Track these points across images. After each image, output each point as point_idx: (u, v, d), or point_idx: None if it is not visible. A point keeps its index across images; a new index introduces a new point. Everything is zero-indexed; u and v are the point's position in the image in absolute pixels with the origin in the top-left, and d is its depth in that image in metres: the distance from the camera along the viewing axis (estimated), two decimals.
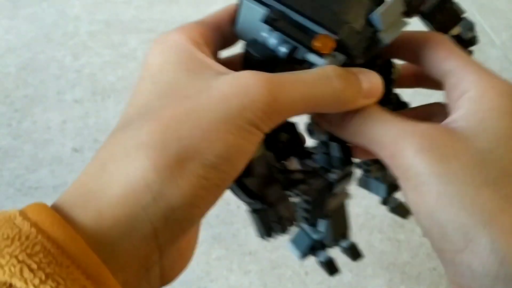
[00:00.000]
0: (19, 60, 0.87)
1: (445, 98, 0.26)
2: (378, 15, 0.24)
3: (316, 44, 0.23)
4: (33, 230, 0.18)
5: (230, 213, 0.59)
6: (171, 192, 0.20)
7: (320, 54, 0.24)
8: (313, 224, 0.36)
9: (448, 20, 0.30)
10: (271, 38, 0.25)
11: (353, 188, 0.50)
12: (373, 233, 0.57)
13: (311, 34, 0.24)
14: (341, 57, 0.24)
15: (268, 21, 0.24)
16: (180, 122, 0.21)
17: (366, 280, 0.53)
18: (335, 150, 0.31)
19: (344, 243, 0.36)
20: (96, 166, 0.21)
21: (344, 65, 0.25)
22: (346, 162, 0.31)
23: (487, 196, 0.21)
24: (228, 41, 0.28)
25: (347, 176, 0.34)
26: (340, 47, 0.24)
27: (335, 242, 0.36)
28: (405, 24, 0.26)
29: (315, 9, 0.24)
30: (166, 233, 0.20)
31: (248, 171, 0.25)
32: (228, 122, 0.21)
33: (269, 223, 0.29)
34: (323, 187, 0.33)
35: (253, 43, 0.26)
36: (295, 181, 0.30)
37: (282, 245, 0.55)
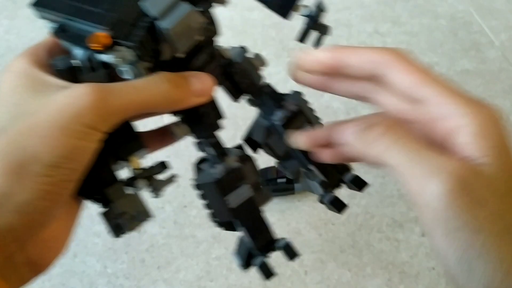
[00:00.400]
0: None
1: (419, 119, 0.26)
2: (144, 3, 0.26)
3: (91, 43, 0.25)
4: None
5: None
6: (18, 191, 0.24)
7: (102, 51, 0.25)
8: (228, 229, 0.36)
9: None
10: (74, 50, 0.28)
11: None
12: (372, 233, 0.58)
13: (88, 36, 0.26)
14: (126, 51, 0.26)
15: (54, 33, 0.27)
16: (24, 135, 0.25)
17: (365, 279, 0.53)
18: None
19: (279, 243, 0.36)
20: None
21: (166, 65, 0.28)
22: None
23: (507, 245, 0.22)
24: None
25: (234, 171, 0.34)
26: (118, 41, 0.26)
27: (264, 248, 0.36)
28: (186, 8, 0.27)
29: (90, 12, 0.26)
30: (21, 225, 0.24)
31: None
32: (65, 128, 0.25)
33: (115, 222, 0.30)
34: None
35: (58, 59, 0.28)
36: (136, 177, 0.31)
37: None
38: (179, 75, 0.29)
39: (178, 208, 0.61)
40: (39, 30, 0.95)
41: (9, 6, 1.02)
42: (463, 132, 0.24)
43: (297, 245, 0.55)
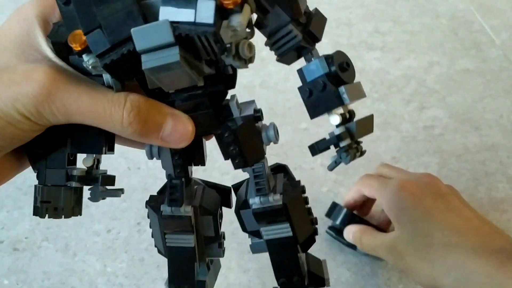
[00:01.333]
0: None
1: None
2: (135, 31, 0.22)
3: (69, 41, 0.24)
4: None
5: (229, 212, 0.59)
6: None
7: (79, 52, 0.24)
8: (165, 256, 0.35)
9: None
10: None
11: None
12: None
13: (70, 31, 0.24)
14: (91, 57, 0.24)
15: (58, 1, 0.25)
16: None
17: (364, 279, 0.53)
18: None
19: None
20: None
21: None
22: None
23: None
24: None
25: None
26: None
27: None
28: (175, 55, 0.23)
29: (86, 7, 0.24)
30: None
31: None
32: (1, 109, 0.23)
33: (37, 203, 0.29)
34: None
35: (57, 30, 0.26)
36: (76, 175, 0.30)
37: None
38: (154, 108, 0.25)
39: None
40: None
41: (10, 5, 1.02)
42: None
43: None
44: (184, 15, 0.22)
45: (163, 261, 0.56)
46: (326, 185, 0.61)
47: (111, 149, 0.30)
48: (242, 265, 0.54)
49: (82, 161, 0.30)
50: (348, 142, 0.28)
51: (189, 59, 0.23)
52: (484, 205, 0.60)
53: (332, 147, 0.29)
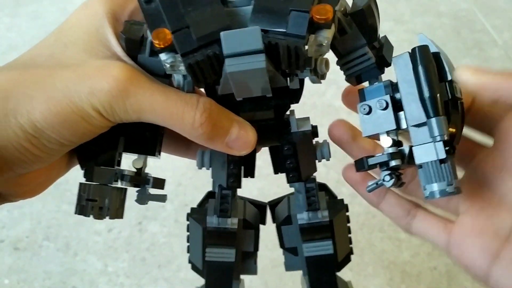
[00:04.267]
0: None
1: None
2: (225, 34, 0.22)
3: (153, 37, 0.23)
4: None
5: None
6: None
7: (161, 49, 0.23)
8: (196, 271, 0.34)
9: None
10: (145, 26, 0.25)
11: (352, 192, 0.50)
12: (374, 232, 0.57)
13: (154, 28, 0.24)
14: (177, 59, 0.24)
15: (140, 0, 0.25)
16: (35, 82, 0.23)
17: (366, 279, 0.53)
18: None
19: None
20: None
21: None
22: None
23: None
24: None
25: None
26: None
27: None
28: (261, 63, 0.23)
29: (174, 7, 0.24)
30: None
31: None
32: (71, 100, 0.23)
33: (82, 201, 0.28)
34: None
35: (131, 27, 0.26)
36: (127, 175, 0.30)
37: None
38: (223, 113, 0.26)
39: (179, 207, 0.61)
40: (40, 28, 0.95)
41: (10, 4, 1.02)
42: None
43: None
44: (275, 24, 0.23)
45: (165, 261, 0.56)
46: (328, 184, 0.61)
47: (159, 153, 0.30)
48: None
49: (132, 162, 0.30)
50: (399, 163, 0.27)
51: (270, 68, 0.23)
52: None
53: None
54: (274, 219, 0.34)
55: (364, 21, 0.26)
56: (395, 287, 0.52)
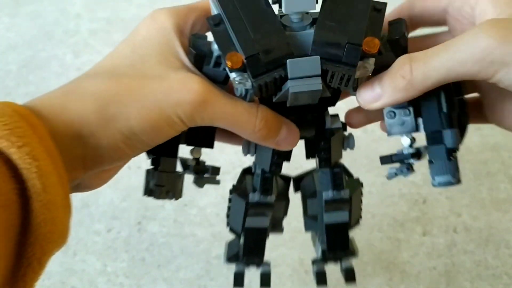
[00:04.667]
0: (20, 58, 0.87)
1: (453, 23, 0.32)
2: (291, 62, 0.27)
3: (226, 58, 0.27)
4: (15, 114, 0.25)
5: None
6: (100, 135, 0.27)
7: (231, 69, 0.28)
8: (234, 233, 0.41)
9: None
10: (214, 44, 0.30)
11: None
12: (373, 232, 0.57)
13: (227, 51, 0.28)
14: (248, 80, 0.28)
15: (209, 19, 0.29)
16: (130, 92, 0.28)
17: (365, 279, 0.53)
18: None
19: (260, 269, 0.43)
20: (60, 97, 0.28)
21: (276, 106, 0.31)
22: None
23: None
24: None
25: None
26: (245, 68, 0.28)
27: (248, 263, 0.42)
28: (318, 85, 0.28)
29: (244, 32, 0.28)
30: (91, 160, 0.28)
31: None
32: (162, 110, 0.28)
33: (150, 185, 0.33)
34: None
35: (199, 40, 0.31)
36: (188, 164, 0.36)
37: (282, 243, 0.56)
38: (276, 118, 0.31)
39: (178, 207, 0.61)
40: (39, 27, 0.95)
41: (10, 4, 1.02)
42: (480, 2, 0.29)
43: (297, 244, 0.55)
44: (333, 55, 0.27)
45: (164, 261, 0.56)
46: None
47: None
48: None
49: (190, 152, 0.35)
50: (416, 160, 0.34)
51: (323, 87, 0.29)
52: (486, 205, 0.60)
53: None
54: (296, 190, 0.42)
55: (399, 48, 0.31)
56: (394, 287, 0.52)
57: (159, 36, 0.30)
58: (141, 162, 0.65)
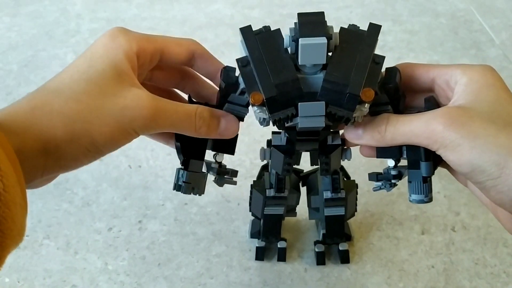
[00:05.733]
0: (20, 58, 0.88)
1: (437, 95, 0.38)
2: (303, 106, 0.34)
3: (250, 96, 0.34)
4: None
5: (230, 210, 0.60)
6: (64, 149, 0.31)
7: (252, 104, 0.35)
8: (255, 217, 0.53)
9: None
10: (240, 80, 0.37)
11: (359, 184, 0.51)
12: (372, 231, 0.58)
13: (250, 90, 0.35)
14: (264, 111, 0.35)
15: (238, 63, 0.36)
16: (91, 111, 0.32)
17: (364, 277, 0.53)
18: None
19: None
20: (28, 112, 0.31)
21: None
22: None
23: (503, 138, 0.32)
24: (167, 68, 0.41)
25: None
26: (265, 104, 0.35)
27: (267, 239, 0.54)
28: (321, 121, 0.35)
29: (265, 75, 0.35)
30: (50, 168, 0.31)
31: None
32: (121, 126, 0.32)
33: (179, 181, 0.41)
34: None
35: (232, 73, 0.38)
36: (212, 166, 0.43)
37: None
38: (212, 115, 0.37)
39: (178, 206, 0.61)
40: (40, 27, 0.95)
41: (10, 4, 1.02)
42: (458, 83, 0.35)
43: (297, 242, 0.56)
44: (336, 101, 0.34)
45: (164, 259, 0.56)
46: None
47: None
48: (243, 264, 0.55)
49: (214, 157, 0.43)
50: (397, 180, 0.42)
51: (327, 122, 0.36)
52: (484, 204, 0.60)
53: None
54: (303, 185, 0.53)
55: (391, 94, 0.38)
56: (393, 285, 0.52)
57: (114, 54, 0.33)
58: (142, 162, 0.66)
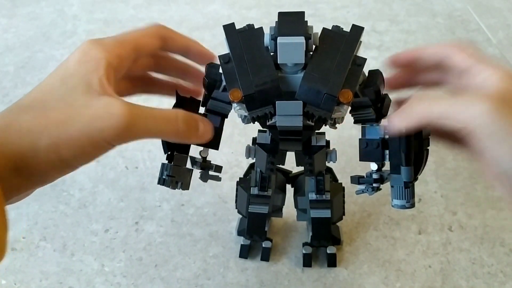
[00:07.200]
0: (17, 59, 0.87)
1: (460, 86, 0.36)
2: (278, 104, 0.35)
3: (229, 93, 0.35)
4: None
5: (227, 211, 0.60)
6: (33, 167, 0.30)
7: (232, 101, 0.35)
8: (241, 214, 0.54)
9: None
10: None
11: (349, 187, 0.51)
12: (369, 231, 0.58)
13: (230, 88, 0.36)
14: (244, 108, 0.36)
15: (220, 60, 0.36)
16: (57, 125, 0.30)
17: (361, 277, 0.53)
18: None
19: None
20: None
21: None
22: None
23: None
24: (147, 59, 0.40)
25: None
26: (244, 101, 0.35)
27: (252, 238, 0.54)
28: (299, 121, 0.35)
29: (245, 74, 0.35)
30: (25, 187, 0.31)
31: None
32: (88, 137, 0.30)
33: (163, 175, 0.40)
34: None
35: (213, 70, 0.38)
36: (196, 161, 0.43)
37: (280, 243, 0.56)
38: (192, 116, 0.36)
39: (175, 207, 0.61)
40: (36, 29, 0.95)
41: (7, 5, 1.02)
42: (488, 80, 0.33)
43: (294, 242, 0.56)
44: (314, 101, 0.34)
45: (161, 260, 0.56)
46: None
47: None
48: (240, 264, 0.54)
49: (199, 152, 0.43)
50: (379, 184, 0.41)
51: (304, 122, 0.36)
52: (481, 204, 0.60)
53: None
54: (292, 186, 0.54)
55: (372, 97, 0.37)
56: (390, 285, 0.52)
57: (86, 67, 0.33)
58: (139, 163, 0.66)
